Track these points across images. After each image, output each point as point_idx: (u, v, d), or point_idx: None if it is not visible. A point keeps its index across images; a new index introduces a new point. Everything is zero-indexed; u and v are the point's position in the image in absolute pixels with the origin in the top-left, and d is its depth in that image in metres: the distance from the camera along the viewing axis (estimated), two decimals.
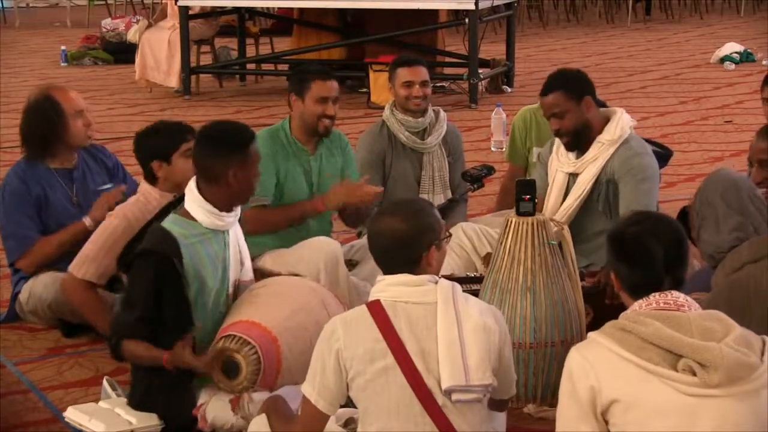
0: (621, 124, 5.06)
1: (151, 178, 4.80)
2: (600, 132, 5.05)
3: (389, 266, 3.36)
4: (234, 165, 4.05)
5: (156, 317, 4.02)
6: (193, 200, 4.10)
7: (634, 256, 3.03)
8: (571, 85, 5.04)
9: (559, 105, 5.00)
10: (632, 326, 2.93)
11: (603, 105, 5.39)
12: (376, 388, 3.26)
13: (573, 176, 5.13)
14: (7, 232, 5.28)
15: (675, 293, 3.02)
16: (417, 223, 3.34)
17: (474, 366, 3.27)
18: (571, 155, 5.13)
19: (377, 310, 3.30)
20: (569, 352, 3.03)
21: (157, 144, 4.75)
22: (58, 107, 5.22)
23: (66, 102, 5.25)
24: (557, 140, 5.19)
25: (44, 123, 5.23)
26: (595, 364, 2.93)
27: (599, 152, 5.05)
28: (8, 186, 5.27)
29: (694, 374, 2.87)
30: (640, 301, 3.02)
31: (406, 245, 3.32)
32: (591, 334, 3.02)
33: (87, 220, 5.15)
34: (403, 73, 5.71)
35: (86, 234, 5.00)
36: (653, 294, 3.01)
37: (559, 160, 5.17)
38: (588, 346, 3.00)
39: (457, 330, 3.28)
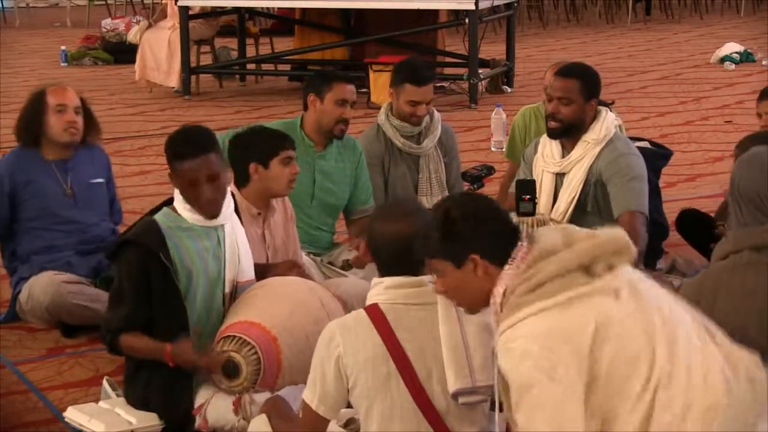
0: (606, 123, 5.08)
1: (242, 181, 4.69)
2: (586, 131, 5.07)
3: (395, 269, 3.34)
4: (173, 179, 4.07)
5: (146, 308, 4.01)
6: (177, 200, 4.12)
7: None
8: (590, 81, 5.07)
9: (571, 93, 5.00)
10: (534, 278, 2.89)
11: (606, 104, 5.38)
12: (378, 394, 3.26)
13: (560, 176, 5.14)
14: None
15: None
16: (422, 224, 3.31)
17: (479, 367, 3.26)
18: (556, 155, 5.14)
19: (376, 315, 3.28)
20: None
21: (259, 146, 4.67)
22: (42, 101, 5.37)
23: (53, 98, 5.37)
24: (542, 140, 5.20)
25: (27, 114, 5.43)
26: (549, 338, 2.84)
27: (585, 151, 5.07)
28: None
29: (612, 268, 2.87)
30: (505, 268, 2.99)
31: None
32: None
33: None
34: (411, 91, 5.56)
35: None
36: (511, 258, 2.98)
37: (545, 161, 5.17)
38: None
39: (459, 331, 3.27)
